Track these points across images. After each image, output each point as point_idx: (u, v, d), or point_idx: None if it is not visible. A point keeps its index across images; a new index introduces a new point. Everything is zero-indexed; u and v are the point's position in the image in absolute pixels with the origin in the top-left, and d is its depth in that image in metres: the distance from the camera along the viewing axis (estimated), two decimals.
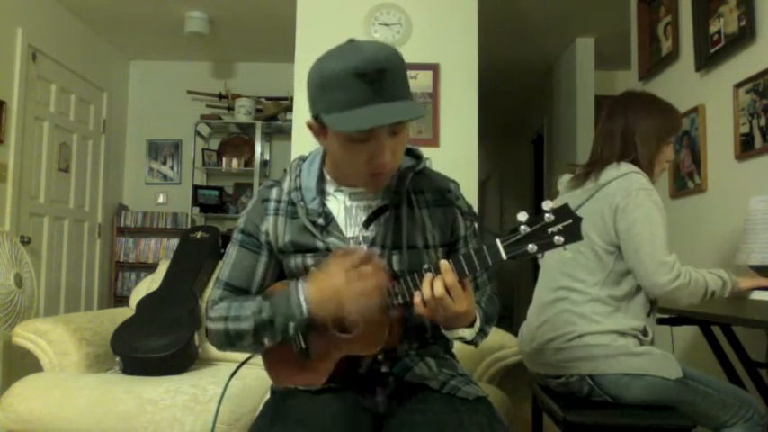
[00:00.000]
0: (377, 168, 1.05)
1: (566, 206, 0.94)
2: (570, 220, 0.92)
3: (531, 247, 0.92)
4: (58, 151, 3.89)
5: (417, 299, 0.99)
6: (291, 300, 1.06)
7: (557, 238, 0.91)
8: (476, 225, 1.24)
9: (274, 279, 1.22)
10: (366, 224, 1.15)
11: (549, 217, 0.92)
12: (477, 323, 1.11)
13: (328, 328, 1.10)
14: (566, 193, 1.70)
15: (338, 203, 1.17)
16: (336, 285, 1.01)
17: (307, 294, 1.05)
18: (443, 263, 0.98)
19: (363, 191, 1.16)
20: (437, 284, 0.97)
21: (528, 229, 0.92)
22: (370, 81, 0.97)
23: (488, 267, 0.98)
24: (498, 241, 0.95)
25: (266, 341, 1.11)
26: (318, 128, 1.08)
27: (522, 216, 0.93)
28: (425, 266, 1.00)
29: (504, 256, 0.94)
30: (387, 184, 1.15)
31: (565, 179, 1.74)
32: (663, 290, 1.48)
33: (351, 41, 1.04)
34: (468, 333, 1.10)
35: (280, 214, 1.18)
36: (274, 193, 1.21)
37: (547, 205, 0.92)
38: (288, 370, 1.17)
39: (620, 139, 1.64)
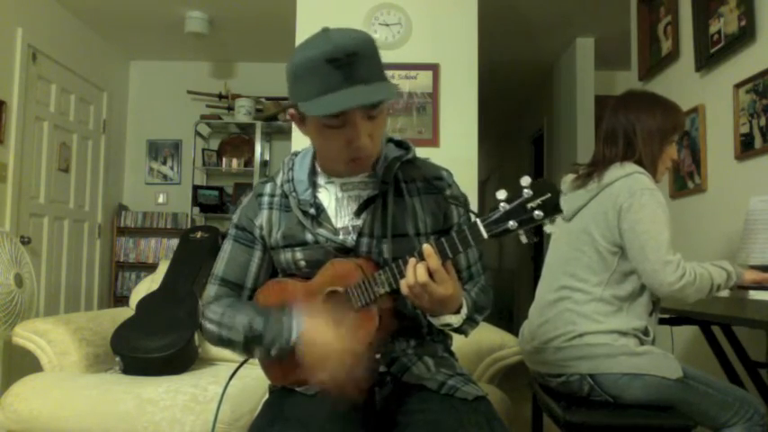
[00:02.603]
0: (355, 152, 1.06)
1: (543, 180, 0.93)
2: (549, 194, 0.91)
3: (512, 224, 0.92)
4: (57, 151, 3.88)
5: (403, 285, 0.99)
6: (284, 328, 1.07)
7: (536, 213, 0.91)
8: (470, 212, 1.23)
9: (268, 274, 1.23)
10: (357, 214, 1.15)
11: (527, 192, 0.91)
12: (465, 310, 1.10)
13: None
14: (569, 193, 1.69)
15: (329, 195, 1.18)
16: (330, 346, 1.02)
17: (300, 332, 1.05)
18: (426, 247, 0.98)
19: (355, 181, 1.17)
20: (420, 269, 0.97)
21: (507, 206, 0.92)
22: (340, 66, 0.98)
23: (472, 247, 0.98)
24: (479, 221, 0.95)
25: (256, 354, 1.13)
26: (298, 117, 1.11)
27: (502, 194, 0.93)
28: (414, 253, 1.00)
29: (485, 235, 0.94)
30: (375, 174, 1.16)
31: (568, 179, 1.73)
32: (669, 289, 1.47)
33: (324, 30, 1.04)
34: (455, 320, 1.09)
35: (273, 208, 1.20)
36: (268, 188, 1.22)
37: (525, 181, 0.92)
38: (282, 368, 1.17)
39: (623, 138, 1.63)
